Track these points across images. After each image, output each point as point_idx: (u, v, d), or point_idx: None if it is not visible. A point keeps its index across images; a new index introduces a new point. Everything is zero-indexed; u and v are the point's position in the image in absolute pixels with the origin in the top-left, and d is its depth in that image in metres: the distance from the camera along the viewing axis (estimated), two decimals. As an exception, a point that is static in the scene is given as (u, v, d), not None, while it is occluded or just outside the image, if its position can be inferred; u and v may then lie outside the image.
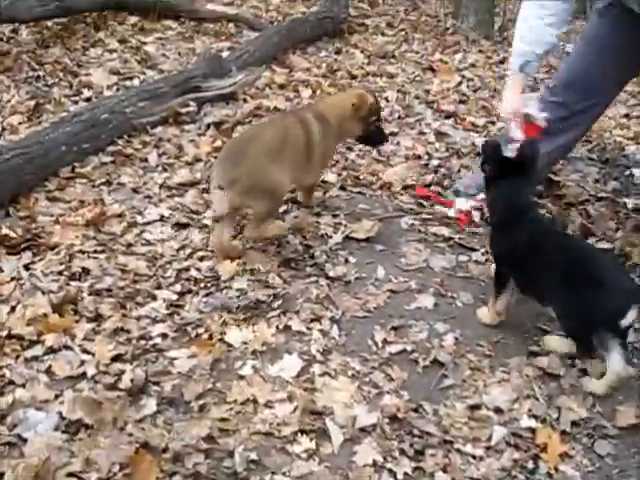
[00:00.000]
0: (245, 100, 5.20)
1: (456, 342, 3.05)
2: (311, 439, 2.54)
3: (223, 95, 5.15)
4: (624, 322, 2.71)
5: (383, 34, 7.72)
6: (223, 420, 2.59)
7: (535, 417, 2.72)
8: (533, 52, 3.50)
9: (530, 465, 2.54)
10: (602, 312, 2.75)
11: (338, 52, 6.85)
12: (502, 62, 7.06)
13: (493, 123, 5.32)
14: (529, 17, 3.50)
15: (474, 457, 2.54)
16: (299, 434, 2.55)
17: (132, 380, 2.66)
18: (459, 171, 4.46)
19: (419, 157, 4.60)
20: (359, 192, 4.15)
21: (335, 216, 3.84)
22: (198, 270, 3.36)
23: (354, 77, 6.06)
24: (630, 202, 4.24)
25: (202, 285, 3.28)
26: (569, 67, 3.91)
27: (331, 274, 3.38)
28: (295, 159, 3.53)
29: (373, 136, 3.86)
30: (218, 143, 4.46)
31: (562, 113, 3.73)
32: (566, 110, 3.74)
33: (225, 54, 5.91)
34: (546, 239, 3.03)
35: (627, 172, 4.72)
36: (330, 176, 4.23)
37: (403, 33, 7.81)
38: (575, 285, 2.81)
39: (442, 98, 5.79)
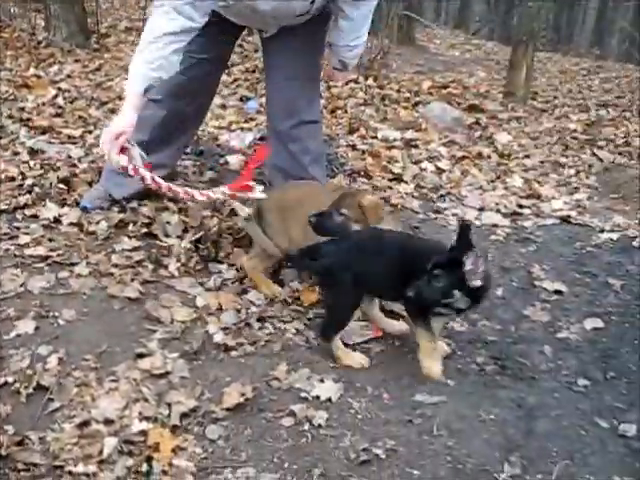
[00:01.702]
0: None
1: (60, 362, 2.96)
2: None
3: None
4: None
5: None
6: None
7: (146, 419, 2.72)
8: (160, 78, 3.48)
9: (144, 468, 2.53)
10: None
11: None
12: (99, 69, 7.02)
13: (90, 132, 5.27)
14: (161, 47, 3.42)
15: (87, 475, 2.48)
16: None
17: None
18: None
19: (13, 179, 4.40)
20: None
21: None
22: None
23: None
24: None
25: None
26: None
27: None
28: None
29: None
30: None
31: None
32: None
33: None
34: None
35: (222, 160, 4.91)
36: None
37: (-5, 52, 7.49)
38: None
39: (37, 114, 5.62)
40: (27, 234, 3.79)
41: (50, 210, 3.99)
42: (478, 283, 2.92)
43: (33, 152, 4.83)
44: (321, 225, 3.32)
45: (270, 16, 3.61)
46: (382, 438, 2.75)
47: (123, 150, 3.44)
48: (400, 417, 2.89)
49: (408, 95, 7.57)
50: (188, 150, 4.93)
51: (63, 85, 6.44)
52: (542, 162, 6.25)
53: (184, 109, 4.03)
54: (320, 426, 2.78)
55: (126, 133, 3.43)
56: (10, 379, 2.85)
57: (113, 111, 5.91)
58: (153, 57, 3.42)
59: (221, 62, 4.15)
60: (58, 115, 5.67)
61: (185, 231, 3.96)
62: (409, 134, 5.97)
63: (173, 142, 4.17)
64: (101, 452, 2.56)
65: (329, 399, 2.91)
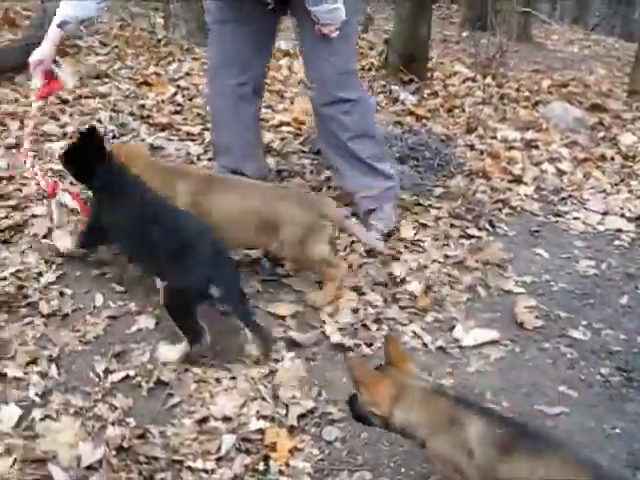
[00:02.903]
0: (-52, 139, 4.88)
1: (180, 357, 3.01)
2: (33, 489, 2.41)
3: None
4: None
5: (96, 53, 7.56)
6: None
7: (264, 418, 2.74)
8: (75, 16, 3.64)
9: (261, 467, 2.55)
10: None
11: (50, 77, 6.61)
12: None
13: (208, 129, 5.33)
14: None
15: (205, 471, 2.51)
16: (20, 488, 2.42)
17: None
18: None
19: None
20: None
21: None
22: None
23: (65, 102, 5.86)
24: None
25: None
26: None
27: (46, 311, 3.23)
28: None
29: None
30: None
31: None
32: None
33: None
34: None
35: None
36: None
37: (117, 50, 7.69)
38: None
39: (157, 111, 5.73)
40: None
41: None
42: None
43: (153, 148, 4.92)
44: None
45: None
46: (501, 448, 2.68)
47: (47, 75, 3.68)
48: (520, 427, 2.81)
49: (527, 94, 7.39)
50: (306, 149, 4.94)
51: (182, 83, 6.54)
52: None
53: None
54: (437, 432, 2.73)
55: (44, 61, 3.63)
56: (131, 372, 2.92)
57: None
58: None
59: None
60: (177, 112, 5.77)
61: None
62: (529, 134, 5.82)
63: None
64: (219, 449, 2.60)
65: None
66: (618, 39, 17.21)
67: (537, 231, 4.35)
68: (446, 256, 3.91)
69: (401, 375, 2.35)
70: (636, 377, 3.16)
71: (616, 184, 5.37)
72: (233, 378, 2.92)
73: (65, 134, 4.91)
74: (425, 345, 3.25)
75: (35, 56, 3.63)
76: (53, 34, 3.65)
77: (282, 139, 5.27)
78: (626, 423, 2.86)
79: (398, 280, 3.67)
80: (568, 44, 14.38)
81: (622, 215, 4.77)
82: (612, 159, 5.89)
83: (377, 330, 3.31)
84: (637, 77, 8.24)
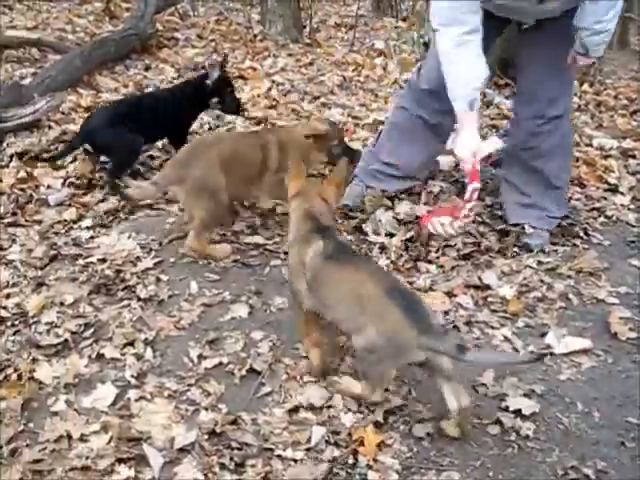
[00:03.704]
0: (50, 127, 5.03)
1: (272, 348, 3.06)
2: (130, 467, 2.48)
3: (26, 124, 4.96)
4: None
5: (193, 46, 7.71)
6: (36, 462, 2.49)
7: (351, 411, 2.76)
8: (475, 89, 3.47)
9: (350, 460, 2.56)
10: None
11: (147, 68, 6.78)
12: (311, 64, 7.19)
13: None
14: (461, 61, 3.43)
15: (295, 461, 2.55)
16: (117, 464, 2.49)
17: None
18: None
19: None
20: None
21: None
22: (4, 308, 3.23)
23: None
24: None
25: (9, 323, 3.15)
26: None
27: (143, 295, 3.32)
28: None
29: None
30: (22, 174, 4.31)
31: None
32: None
33: (27, 81, 5.72)
34: None
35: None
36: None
37: (213, 44, 7.82)
38: None
39: (252, 105, 5.81)
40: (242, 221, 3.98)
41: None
42: None
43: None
44: None
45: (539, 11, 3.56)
46: (592, 458, 2.65)
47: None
48: (612, 438, 2.77)
49: (626, 102, 7.23)
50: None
51: (277, 78, 6.63)
52: None
53: None
54: (527, 437, 2.72)
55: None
56: (225, 360, 2.98)
57: (325, 105, 6.03)
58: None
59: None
60: (272, 107, 5.84)
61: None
62: (626, 143, 5.69)
63: None
64: (309, 440, 2.63)
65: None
66: None
67: (633, 242, 4.24)
68: (539, 262, 3.86)
69: (313, 191, 3.05)
70: None
71: None
72: (323, 370, 2.95)
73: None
74: (516, 350, 3.22)
75: (466, 155, 3.51)
76: (471, 122, 3.51)
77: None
78: None
79: (490, 284, 3.65)
80: (667, 52, 14.01)
81: None
82: None
83: (468, 332, 3.29)
84: None
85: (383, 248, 3.83)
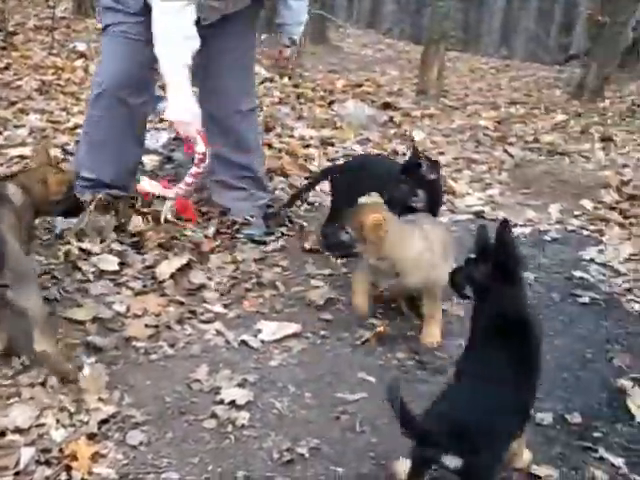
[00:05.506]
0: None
1: None
2: None
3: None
4: None
5: None
6: None
7: (64, 427, 2.65)
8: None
9: (64, 477, 2.44)
10: None
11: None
12: (7, 68, 6.87)
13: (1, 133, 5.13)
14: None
15: (0, 487, 2.41)
16: None
17: None
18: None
19: None
20: None
21: None
22: None
23: None
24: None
25: None
26: None
27: None
28: None
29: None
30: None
31: None
32: None
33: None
34: None
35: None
36: None
37: None
38: None
39: None
40: None
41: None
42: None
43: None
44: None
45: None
46: (305, 437, 2.74)
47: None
48: (323, 415, 2.89)
49: (323, 94, 7.58)
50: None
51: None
52: (455, 159, 6.32)
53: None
54: (243, 426, 2.76)
55: None
56: None
57: (22, 111, 5.76)
58: None
59: None
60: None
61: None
62: (325, 132, 5.98)
63: None
64: (17, 463, 2.48)
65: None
66: (409, 42, 18.00)
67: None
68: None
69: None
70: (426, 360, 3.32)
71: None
72: (31, 385, 2.81)
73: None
74: (228, 342, 3.28)
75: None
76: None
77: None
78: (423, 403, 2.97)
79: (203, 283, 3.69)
80: (363, 47, 14.90)
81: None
82: (404, 154, 6.13)
83: (180, 330, 3.30)
84: (424, 78, 8.66)
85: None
